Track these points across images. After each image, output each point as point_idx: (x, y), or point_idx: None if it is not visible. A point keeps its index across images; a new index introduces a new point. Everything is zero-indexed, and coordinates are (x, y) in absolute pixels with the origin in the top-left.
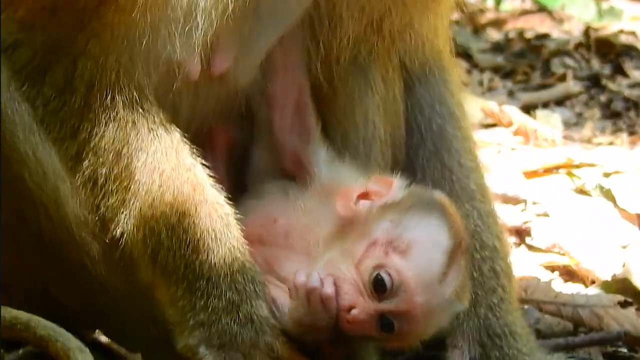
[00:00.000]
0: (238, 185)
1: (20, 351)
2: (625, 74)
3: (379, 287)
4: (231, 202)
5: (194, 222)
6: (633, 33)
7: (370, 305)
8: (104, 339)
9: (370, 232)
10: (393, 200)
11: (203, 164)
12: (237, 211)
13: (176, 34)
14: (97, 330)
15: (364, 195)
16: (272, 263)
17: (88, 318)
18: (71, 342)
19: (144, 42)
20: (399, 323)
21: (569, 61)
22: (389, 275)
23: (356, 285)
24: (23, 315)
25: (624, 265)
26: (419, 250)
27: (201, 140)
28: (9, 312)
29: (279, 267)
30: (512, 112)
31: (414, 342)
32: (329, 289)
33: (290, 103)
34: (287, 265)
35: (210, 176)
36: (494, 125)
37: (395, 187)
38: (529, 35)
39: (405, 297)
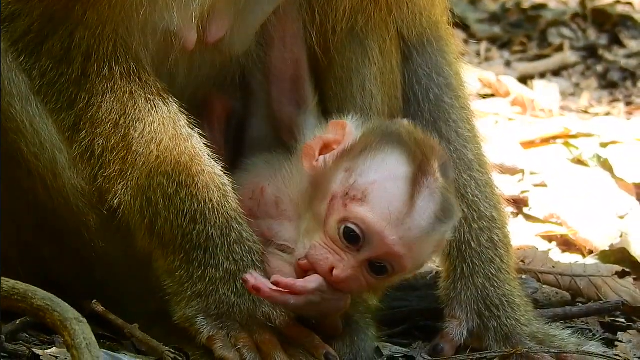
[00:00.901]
0: (236, 154)
1: (18, 322)
2: (622, 44)
3: (350, 240)
4: (228, 173)
5: (191, 192)
6: (630, 3)
7: (350, 260)
8: (101, 309)
9: (329, 188)
10: (348, 146)
11: (200, 134)
12: (234, 182)
13: (174, 4)
14: (94, 301)
15: (325, 148)
16: (269, 235)
17: (85, 289)
18: (69, 312)
19: (142, 12)
20: (389, 264)
21: (566, 31)
22: (356, 225)
23: (329, 247)
24: (20, 285)
25: (621, 235)
26: (376, 192)
27: (198, 110)
28: (7, 283)
29: (276, 238)
30: (510, 82)
31: (417, 268)
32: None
33: (287, 75)
34: (284, 234)
35: (208, 146)
36: (491, 95)
37: (349, 129)
38: (526, 5)
39: (379, 240)
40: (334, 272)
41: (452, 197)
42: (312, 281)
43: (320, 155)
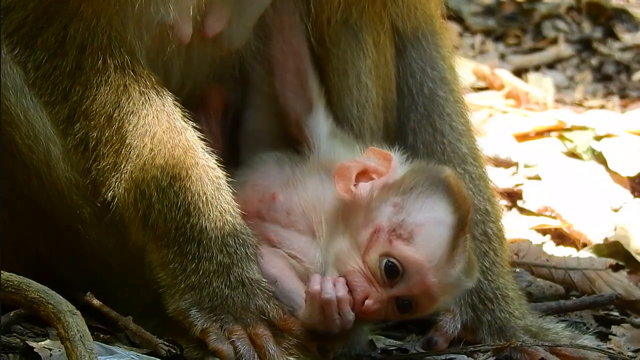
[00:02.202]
0: (232, 146)
1: (12, 314)
2: (616, 37)
3: (389, 274)
4: (223, 166)
5: (185, 185)
6: None
7: (383, 293)
8: (95, 302)
9: (372, 219)
10: (394, 180)
11: (195, 127)
12: (229, 175)
13: None
14: (88, 293)
15: (363, 174)
16: (274, 239)
17: (79, 281)
18: (62, 305)
19: (137, 5)
20: (416, 303)
21: (560, 24)
22: (398, 261)
23: (366, 276)
24: (14, 277)
25: (615, 229)
26: (423, 235)
27: (195, 102)
28: (1, 275)
29: (283, 245)
30: (504, 75)
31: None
32: (341, 293)
33: (290, 67)
34: (293, 244)
35: (202, 139)
36: (485, 88)
37: (394, 164)
38: None
39: (417, 280)
40: (367, 302)
41: (476, 263)
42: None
43: (357, 180)
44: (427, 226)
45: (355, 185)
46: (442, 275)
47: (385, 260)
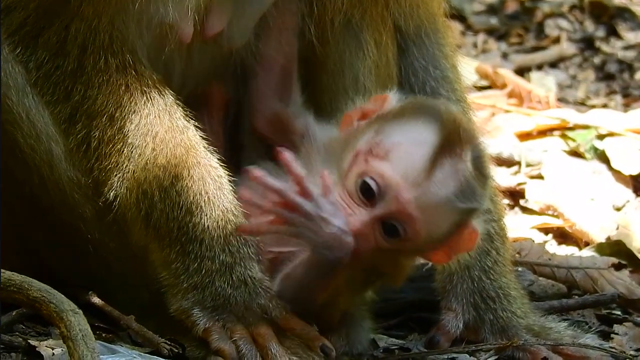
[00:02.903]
0: (234, 145)
1: (14, 313)
2: (619, 36)
3: (366, 193)
4: (225, 165)
5: (187, 184)
6: None
7: (363, 214)
8: (97, 301)
9: (354, 146)
10: (384, 112)
11: (196, 127)
12: (230, 174)
13: None
14: (90, 292)
15: (363, 117)
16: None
17: (81, 280)
18: (64, 304)
19: (137, 4)
20: (401, 226)
21: (563, 23)
22: (373, 179)
23: (345, 200)
24: (16, 277)
25: (618, 228)
26: (399, 152)
27: (196, 101)
28: (3, 274)
29: None
30: (506, 74)
31: (432, 243)
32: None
33: (276, 66)
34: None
35: (204, 138)
36: (488, 87)
37: (389, 101)
38: None
39: (393, 196)
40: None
41: (479, 189)
42: (305, 204)
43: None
44: (405, 145)
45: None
46: (420, 192)
47: (361, 180)
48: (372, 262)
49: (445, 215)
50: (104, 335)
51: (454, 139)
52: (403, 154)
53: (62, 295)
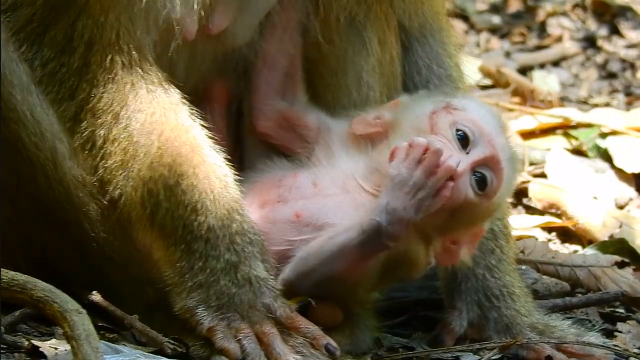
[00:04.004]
0: (238, 140)
1: (17, 313)
2: (621, 35)
3: (462, 139)
4: (231, 163)
5: (192, 183)
6: None
7: (465, 160)
8: (101, 300)
9: (421, 112)
10: (411, 98)
11: (202, 125)
12: (236, 173)
13: None
14: (94, 292)
15: (377, 116)
16: (301, 214)
17: (86, 279)
18: (68, 303)
19: (144, 1)
20: (489, 174)
21: (565, 22)
22: (466, 126)
23: (446, 145)
24: (20, 276)
25: (621, 226)
26: (473, 106)
27: (200, 97)
28: (6, 274)
29: (311, 217)
30: (509, 73)
31: (498, 208)
32: (437, 144)
33: (281, 65)
34: (321, 210)
35: (209, 137)
36: (491, 86)
37: (404, 97)
38: None
39: (487, 140)
40: (456, 167)
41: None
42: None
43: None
44: (470, 102)
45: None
46: (502, 139)
47: (454, 128)
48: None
49: (511, 176)
50: (107, 334)
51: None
52: (478, 108)
53: (66, 295)
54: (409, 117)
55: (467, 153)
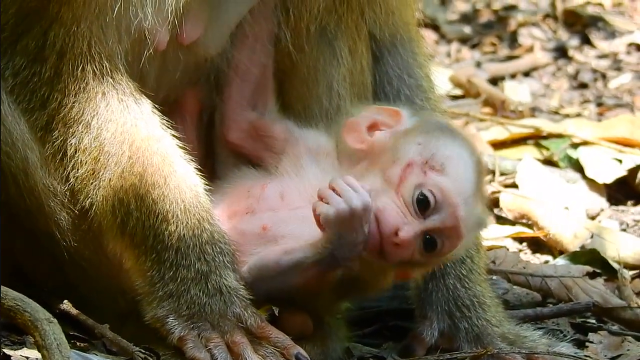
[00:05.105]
0: (209, 150)
1: None
2: (592, 45)
3: (422, 205)
4: (202, 173)
5: (163, 193)
6: (600, 4)
7: (416, 225)
8: (72, 309)
9: (400, 157)
10: (408, 127)
11: (173, 135)
12: (207, 182)
13: (148, 2)
14: (65, 301)
15: (372, 127)
16: (268, 226)
17: (57, 288)
18: (39, 313)
19: (116, 10)
20: (441, 240)
21: (536, 32)
22: (431, 192)
23: (400, 208)
24: None
25: (592, 236)
26: (454, 167)
27: (171, 106)
28: None
29: (278, 229)
30: (480, 83)
31: (452, 256)
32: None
33: (253, 75)
34: (287, 224)
35: (180, 147)
36: (462, 96)
37: (405, 115)
38: (496, 6)
39: (450, 212)
40: (399, 233)
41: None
42: (358, 201)
43: (369, 131)
44: (456, 159)
45: (370, 134)
46: (469, 208)
47: (418, 192)
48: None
49: (471, 233)
50: (78, 344)
51: (480, 158)
52: (457, 168)
53: (37, 304)
54: (392, 152)
55: (424, 218)
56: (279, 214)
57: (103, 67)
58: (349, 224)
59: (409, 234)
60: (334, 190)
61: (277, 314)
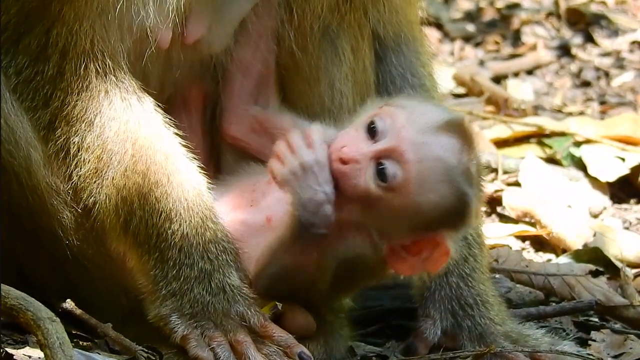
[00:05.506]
0: (214, 146)
1: None
2: (595, 43)
3: (371, 130)
4: (205, 171)
5: (166, 191)
6: (603, 2)
7: (363, 147)
8: (74, 308)
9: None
10: None
11: (176, 133)
12: (210, 181)
13: (150, 0)
14: (68, 300)
15: None
16: (273, 219)
17: (60, 287)
18: (42, 312)
19: (118, 9)
20: (392, 168)
21: (539, 30)
22: (382, 119)
23: (351, 134)
24: None
25: (595, 234)
26: (413, 109)
27: (174, 105)
28: None
29: (282, 220)
30: (483, 81)
31: (415, 211)
32: (314, 132)
33: (255, 71)
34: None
35: (184, 145)
36: (465, 94)
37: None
38: (499, 4)
39: (395, 133)
40: (343, 149)
41: (476, 191)
42: (307, 154)
43: None
44: (419, 106)
45: None
46: (423, 141)
47: (370, 120)
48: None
49: (438, 181)
50: (81, 343)
51: (467, 132)
52: (418, 109)
53: (40, 303)
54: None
55: (374, 143)
56: (284, 205)
57: (106, 65)
58: (303, 182)
59: (353, 151)
60: (288, 146)
61: (280, 309)
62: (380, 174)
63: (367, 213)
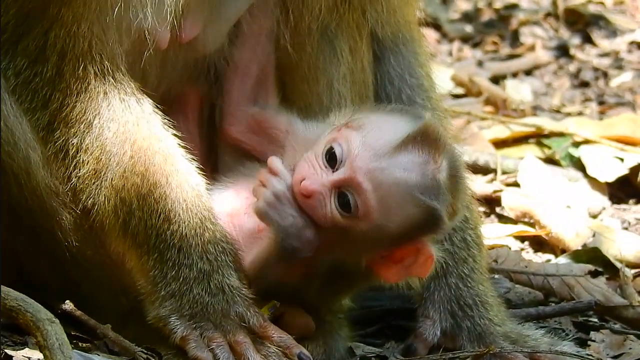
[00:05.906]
0: (211, 146)
1: None
2: (594, 44)
3: (329, 158)
4: (204, 172)
5: (165, 192)
6: (602, 3)
7: (323, 177)
8: (74, 309)
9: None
10: None
11: (175, 134)
12: (209, 182)
13: (148, 3)
14: (67, 301)
15: None
16: (264, 230)
17: (59, 288)
18: (41, 313)
19: (116, 10)
20: (353, 198)
21: (538, 31)
22: (339, 145)
23: (311, 162)
24: None
25: (594, 235)
26: (370, 127)
27: (172, 104)
28: None
29: None
30: (482, 82)
31: (383, 232)
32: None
33: (253, 71)
34: None
35: (182, 146)
36: (463, 95)
37: None
38: (498, 5)
39: (350, 163)
40: (303, 182)
41: (448, 197)
42: (277, 183)
43: None
44: (378, 123)
45: None
46: (378, 166)
47: (329, 146)
48: (335, 256)
49: (401, 203)
50: (80, 344)
51: (430, 138)
52: (375, 130)
53: (39, 304)
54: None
55: (333, 172)
56: None
57: (104, 67)
58: (281, 210)
59: (312, 184)
60: (260, 181)
61: (277, 306)
62: (343, 204)
63: (342, 236)
